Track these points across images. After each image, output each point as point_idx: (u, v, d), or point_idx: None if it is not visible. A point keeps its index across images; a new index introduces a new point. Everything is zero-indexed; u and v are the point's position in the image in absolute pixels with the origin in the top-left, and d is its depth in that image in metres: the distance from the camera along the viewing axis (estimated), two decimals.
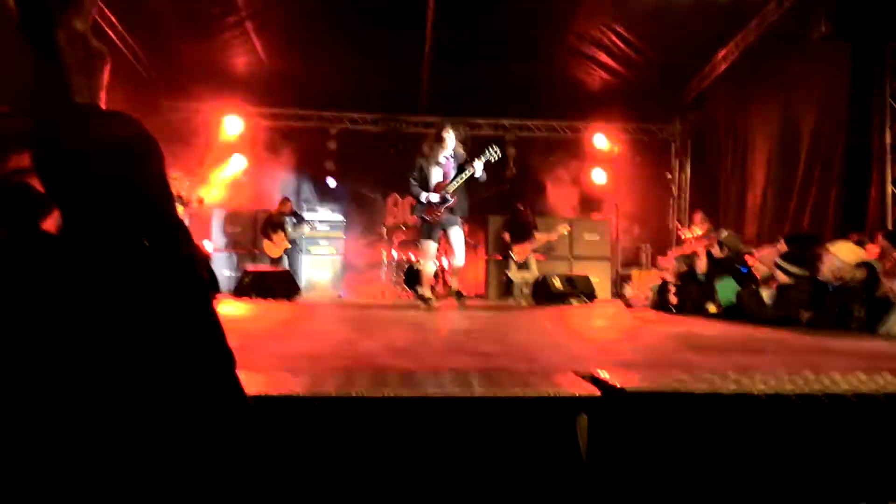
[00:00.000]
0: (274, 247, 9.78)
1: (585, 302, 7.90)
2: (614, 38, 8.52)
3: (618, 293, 9.29)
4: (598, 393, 1.57)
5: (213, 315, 0.97)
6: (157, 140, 1.00)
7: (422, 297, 6.79)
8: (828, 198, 6.59)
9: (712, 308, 6.09)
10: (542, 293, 7.98)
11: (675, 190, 11.17)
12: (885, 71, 5.95)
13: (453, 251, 6.73)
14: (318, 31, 8.44)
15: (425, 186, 6.66)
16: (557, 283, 7.88)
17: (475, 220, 9.99)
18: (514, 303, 8.30)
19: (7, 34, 0.90)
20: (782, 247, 5.80)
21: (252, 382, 1.57)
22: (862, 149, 6.15)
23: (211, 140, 10.46)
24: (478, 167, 6.51)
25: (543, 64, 9.20)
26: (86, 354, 0.81)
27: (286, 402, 1.53)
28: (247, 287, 7.88)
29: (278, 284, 7.96)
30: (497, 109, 10.86)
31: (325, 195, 11.19)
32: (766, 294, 5.42)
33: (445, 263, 9.01)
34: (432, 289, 7.09)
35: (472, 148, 6.83)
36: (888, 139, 6.06)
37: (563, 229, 9.48)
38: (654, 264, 9.63)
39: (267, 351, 2.71)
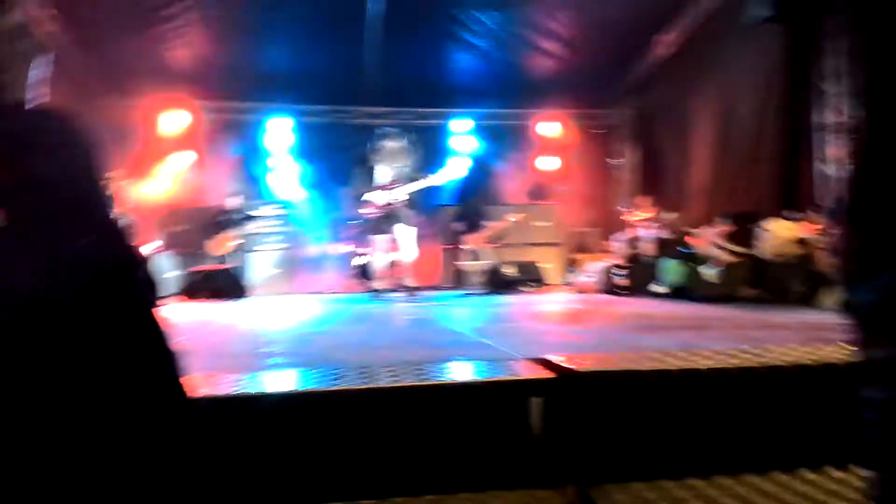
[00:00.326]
0: (220, 245, 9.56)
1: (537, 288, 8.00)
2: (557, 24, 8.60)
3: (569, 278, 9.43)
4: (551, 376, 1.60)
5: (152, 316, 0.95)
6: (89, 137, 0.97)
7: (374, 290, 6.79)
8: (767, 177, 6.81)
9: (659, 289, 6.25)
10: (495, 281, 8.04)
11: (620, 174, 11.38)
12: (817, 52, 6.16)
13: (402, 246, 6.75)
14: (260, 21, 8.27)
15: (374, 182, 6.66)
16: (509, 270, 7.95)
17: (427, 211, 9.98)
18: (467, 292, 8.35)
19: None
20: (722, 227, 5.99)
21: (197, 384, 1.54)
22: (798, 129, 6.38)
23: (153, 136, 10.14)
24: (434, 178, 6.61)
25: (486, 51, 9.24)
26: (21, 355, 0.78)
27: (235, 401, 1.51)
28: (192, 287, 7.68)
29: (227, 283, 7.79)
30: (445, 100, 10.84)
31: (272, 189, 11.00)
32: (711, 273, 5.60)
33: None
34: (386, 281, 7.09)
35: (424, 144, 6.92)
36: (818, 118, 6.30)
37: (514, 217, 9.55)
38: (602, 248, 9.80)
39: (214, 351, 2.66)
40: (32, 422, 0.79)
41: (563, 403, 1.53)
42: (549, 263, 9.68)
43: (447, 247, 10.21)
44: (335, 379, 1.65)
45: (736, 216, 6.06)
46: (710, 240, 5.96)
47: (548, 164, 11.41)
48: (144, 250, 8.90)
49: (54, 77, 7.29)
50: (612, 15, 7.99)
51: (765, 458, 1.56)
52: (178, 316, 4.88)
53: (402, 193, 6.58)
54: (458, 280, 8.92)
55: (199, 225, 10.05)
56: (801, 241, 5.05)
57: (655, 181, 9.82)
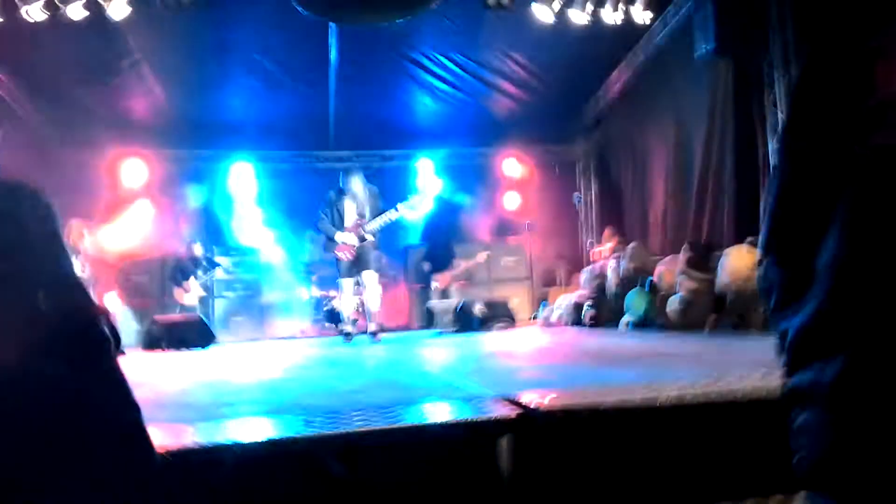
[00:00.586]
0: (186, 293, 9.41)
1: (508, 325, 8.02)
2: (513, 65, 8.82)
3: (537, 314, 9.48)
4: (517, 414, 1.61)
5: (116, 370, 0.94)
6: (46, 196, 0.97)
7: (343, 333, 6.75)
8: (722, 206, 7.00)
9: (625, 321, 6.32)
10: (464, 320, 8.04)
11: (582, 208, 11.56)
12: (761, 85, 6.41)
13: (369, 290, 6.73)
14: (214, 72, 8.33)
15: (338, 224, 6.67)
16: (478, 309, 7.96)
17: (394, 252, 10.00)
18: (438, 331, 8.33)
19: None
20: (685, 255, 6.11)
21: (161, 435, 1.52)
22: (752, 159, 6.59)
23: (111, 187, 10.01)
24: (401, 211, 6.65)
25: (447, 92, 9.41)
26: None
27: (204, 452, 1.48)
28: (156, 338, 7.48)
29: (191, 332, 7.62)
30: (409, 141, 10.96)
31: (236, 235, 10.91)
32: (675, 301, 5.69)
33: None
34: (354, 323, 7.05)
35: (390, 184, 6.98)
36: (770, 147, 6.53)
37: (482, 256, 9.62)
38: (569, 282, 9.90)
39: (179, 402, 2.61)
40: None
41: (530, 441, 1.54)
42: (517, 298, 9.73)
43: (416, 286, 10.21)
44: (304, 425, 1.64)
45: (698, 245, 6.18)
46: (673, 269, 6.06)
47: (513, 200, 11.56)
48: (104, 302, 8.70)
49: (8, 131, 7.23)
50: (567, 54, 8.24)
51: (739, 486, 1.58)
52: (140, 367, 4.76)
53: (369, 232, 6.59)
54: (429, 319, 8.90)
55: (159, 274, 9.89)
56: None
57: (618, 213, 10.01)
